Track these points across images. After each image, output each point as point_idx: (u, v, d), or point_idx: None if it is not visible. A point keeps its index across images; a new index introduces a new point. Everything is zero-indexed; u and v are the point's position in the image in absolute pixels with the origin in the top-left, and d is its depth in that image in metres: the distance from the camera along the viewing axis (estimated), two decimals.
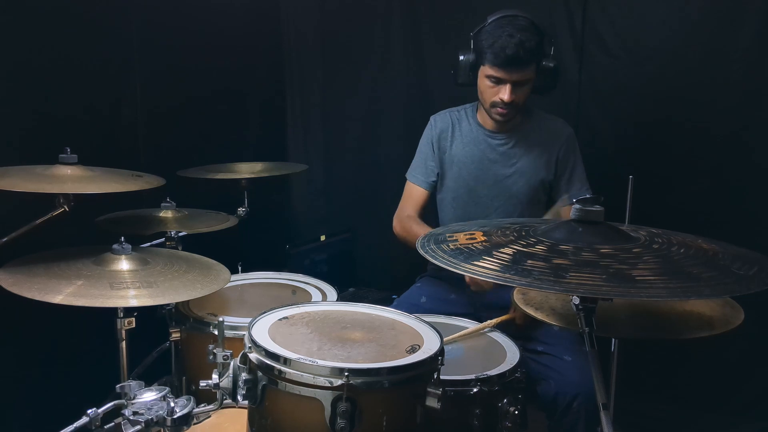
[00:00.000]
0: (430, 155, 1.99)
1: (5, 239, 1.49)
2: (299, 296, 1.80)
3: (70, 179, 1.51)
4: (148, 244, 1.86)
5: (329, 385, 1.09)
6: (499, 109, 1.79)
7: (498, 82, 1.75)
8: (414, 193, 2.01)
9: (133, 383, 1.22)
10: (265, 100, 2.89)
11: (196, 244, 1.84)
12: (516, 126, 1.91)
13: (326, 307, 1.47)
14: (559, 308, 1.30)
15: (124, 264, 1.47)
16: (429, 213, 2.04)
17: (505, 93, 1.74)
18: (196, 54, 2.39)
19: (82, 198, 1.52)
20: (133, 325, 1.46)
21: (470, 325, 1.68)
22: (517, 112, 1.83)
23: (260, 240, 2.44)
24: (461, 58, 1.83)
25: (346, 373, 1.08)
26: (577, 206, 1.11)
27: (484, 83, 1.79)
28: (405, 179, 2.06)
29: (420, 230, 1.90)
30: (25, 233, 1.50)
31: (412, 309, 1.78)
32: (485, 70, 1.76)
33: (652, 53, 2.18)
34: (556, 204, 1.83)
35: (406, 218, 1.98)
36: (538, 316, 1.29)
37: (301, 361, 1.12)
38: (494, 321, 1.67)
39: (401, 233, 1.99)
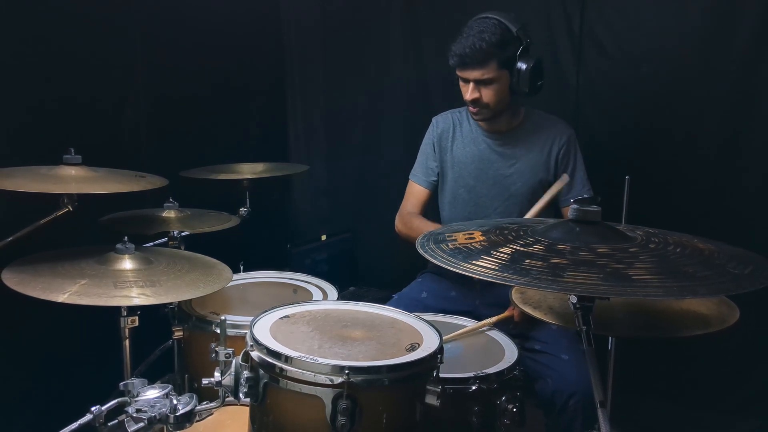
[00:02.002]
0: (431, 155, 2.02)
1: (10, 239, 1.50)
2: (300, 295, 1.82)
3: (74, 180, 1.53)
4: (151, 243, 1.87)
5: (330, 383, 1.10)
6: (470, 108, 1.84)
7: (465, 81, 1.81)
8: (415, 191, 2.04)
9: (136, 381, 1.24)
10: (266, 101, 2.91)
11: (198, 243, 1.86)
12: (515, 127, 1.92)
13: (327, 305, 1.48)
14: (556, 307, 1.31)
15: (127, 263, 1.48)
16: (431, 212, 2.06)
17: (468, 92, 1.79)
18: (198, 55, 2.41)
19: (86, 198, 1.53)
20: (137, 323, 1.47)
21: (470, 324, 1.69)
22: (492, 113, 1.84)
23: (262, 239, 2.45)
24: (450, 62, 1.87)
25: (346, 371, 1.09)
26: (575, 206, 1.12)
27: (459, 84, 1.85)
28: (405, 178, 2.08)
29: (421, 224, 1.93)
30: (30, 233, 1.52)
31: (412, 304, 1.81)
32: (456, 71, 1.83)
33: (649, 56, 2.19)
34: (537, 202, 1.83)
35: (407, 215, 2.02)
36: (536, 314, 1.30)
37: (302, 359, 1.13)
38: (493, 319, 1.68)
39: (402, 230, 2.02)
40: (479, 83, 1.78)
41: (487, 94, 1.79)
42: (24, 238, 1.51)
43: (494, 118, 1.87)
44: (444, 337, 1.28)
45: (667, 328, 1.25)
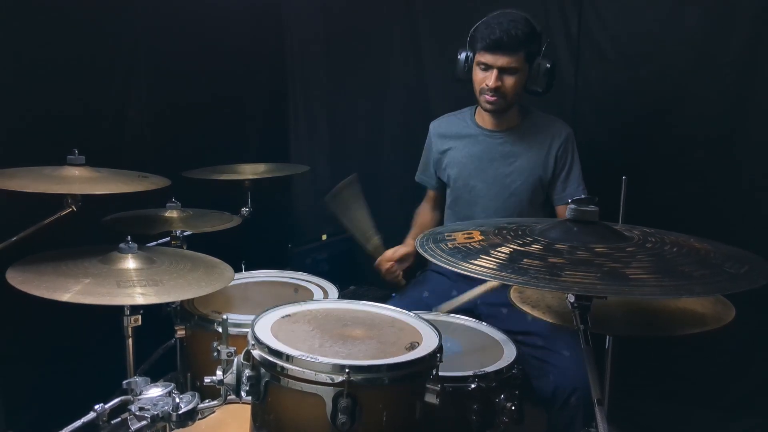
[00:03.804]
0: (431, 160, 2.06)
1: (14, 239, 1.51)
2: (301, 294, 1.83)
3: (78, 180, 1.54)
4: (154, 243, 1.89)
5: (330, 381, 1.11)
6: (486, 95, 1.84)
7: (486, 68, 1.82)
8: (428, 193, 2.16)
9: (139, 379, 1.25)
10: (268, 103, 2.92)
11: (200, 243, 1.87)
12: (514, 125, 1.94)
13: (327, 305, 1.49)
14: (555, 306, 1.32)
15: (130, 263, 1.50)
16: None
17: (491, 79, 1.79)
18: (201, 58, 2.42)
19: (90, 198, 1.55)
20: (140, 322, 1.48)
21: (468, 322, 1.70)
22: (507, 105, 1.86)
23: (263, 239, 2.46)
24: (459, 54, 1.89)
25: (347, 370, 1.10)
26: (573, 206, 1.13)
27: (476, 72, 1.86)
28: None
29: (416, 218, 2.10)
30: (34, 233, 1.53)
31: (414, 303, 1.82)
32: (477, 58, 1.83)
33: (646, 57, 2.20)
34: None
35: (415, 214, 2.16)
36: (535, 314, 1.31)
37: (303, 358, 1.14)
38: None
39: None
40: (503, 71, 1.80)
41: (509, 84, 1.81)
42: (28, 238, 1.52)
43: (504, 111, 1.88)
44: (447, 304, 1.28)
45: (664, 326, 1.26)
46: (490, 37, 1.77)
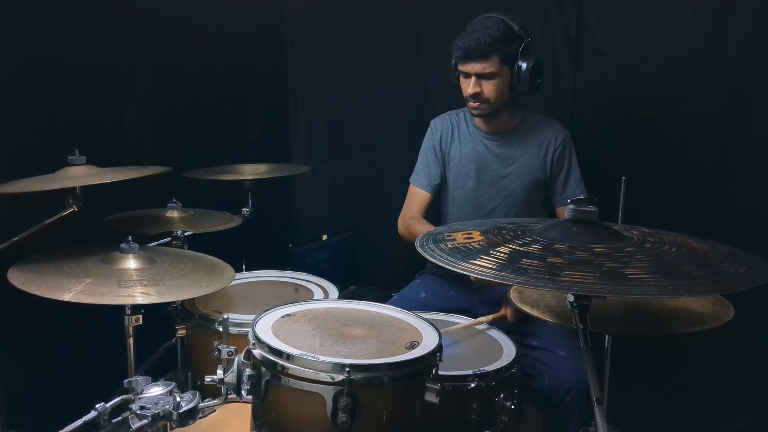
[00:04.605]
0: (433, 160, 2.04)
1: (16, 238, 1.52)
2: (301, 294, 1.84)
3: (78, 176, 1.54)
4: (155, 243, 1.89)
5: (331, 380, 1.11)
6: (470, 103, 1.86)
7: (466, 76, 1.84)
8: (418, 195, 2.06)
9: (140, 378, 1.25)
10: (268, 103, 2.92)
11: (201, 243, 1.88)
12: (512, 127, 1.95)
13: (328, 304, 1.50)
14: (554, 306, 1.33)
15: (131, 263, 1.50)
16: (432, 214, 2.08)
17: (470, 85, 1.81)
18: (201, 58, 2.42)
19: (91, 198, 1.55)
20: (141, 322, 1.49)
21: (468, 322, 1.71)
22: (492, 109, 1.86)
23: (264, 239, 2.47)
24: (452, 61, 1.90)
25: (347, 369, 1.10)
26: (572, 206, 1.13)
27: (460, 79, 1.88)
28: (405, 178, 2.10)
29: (423, 229, 1.94)
30: (35, 233, 1.54)
31: (411, 304, 1.83)
32: (458, 67, 1.86)
33: (645, 58, 2.21)
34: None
35: (410, 219, 2.03)
36: (534, 313, 1.32)
37: (304, 357, 1.14)
38: (487, 318, 1.70)
39: (405, 234, 2.04)
40: (481, 77, 1.81)
41: (488, 89, 1.82)
42: (29, 238, 1.53)
43: (493, 115, 1.89)
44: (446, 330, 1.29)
45: (662, 325, 1.27)
46: (462, 47, 1.79)
